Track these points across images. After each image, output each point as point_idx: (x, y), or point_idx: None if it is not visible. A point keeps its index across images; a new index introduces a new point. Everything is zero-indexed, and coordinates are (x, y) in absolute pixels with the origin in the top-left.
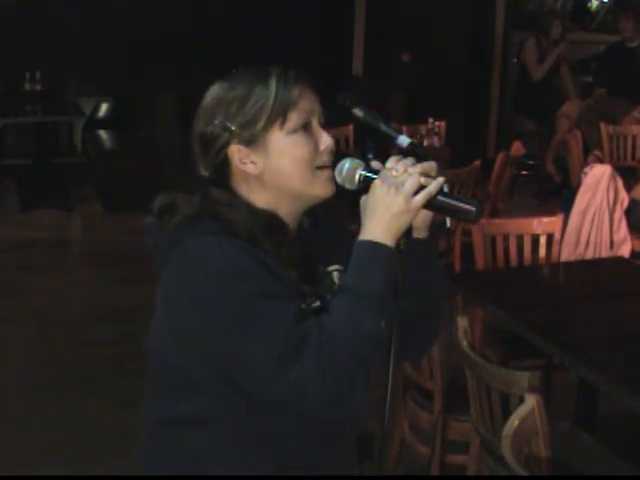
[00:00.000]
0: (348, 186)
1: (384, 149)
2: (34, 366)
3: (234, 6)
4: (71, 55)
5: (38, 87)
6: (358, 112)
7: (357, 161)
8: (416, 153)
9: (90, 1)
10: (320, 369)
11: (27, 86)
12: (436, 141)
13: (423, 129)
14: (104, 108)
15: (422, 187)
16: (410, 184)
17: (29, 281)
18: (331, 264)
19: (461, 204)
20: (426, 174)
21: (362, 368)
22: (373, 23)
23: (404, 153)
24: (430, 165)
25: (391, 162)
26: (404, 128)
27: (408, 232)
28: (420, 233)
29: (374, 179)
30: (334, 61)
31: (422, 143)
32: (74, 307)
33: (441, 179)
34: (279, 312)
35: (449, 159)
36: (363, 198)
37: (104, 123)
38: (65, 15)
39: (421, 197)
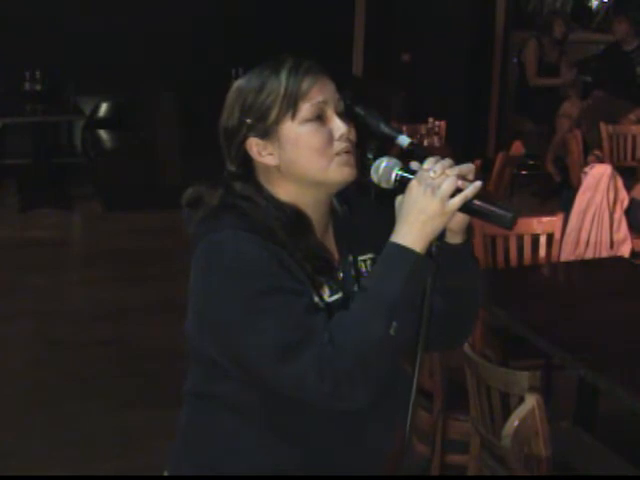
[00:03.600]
0: (384, 185)
1: (384, 149)
2: (34, 366)
3: (234, 6)
4: (71, 55)
5: (38, 87)
6: (358, 112)
7: (395, 160)
8: (416, 153)
9: (90, 1)
10: (319, 366)
11: (27, 86)
12: (436, 141)
13: (423, 129)
14: (104, 108)
15: (459, 190)
16: (447, 186)
17: (29, 281)
18: (366, 252)
19: (498, 209)
20: (463, 177)
21: (363, 369)
22: (373, 23)
23: (405, 153)
24: (468, 168)
25: (429, 163)
26: (404, 128)
27: (441, 235)
28: (455, 237)
29: (410, 179)
30: (334, 61)
31: (422, 143)
32: (74, 307)
33: (478, 183)
34: (283, 309)
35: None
36: (399, 198)
37: (104, 123)
38: (65, 15)
39: (457, 200)
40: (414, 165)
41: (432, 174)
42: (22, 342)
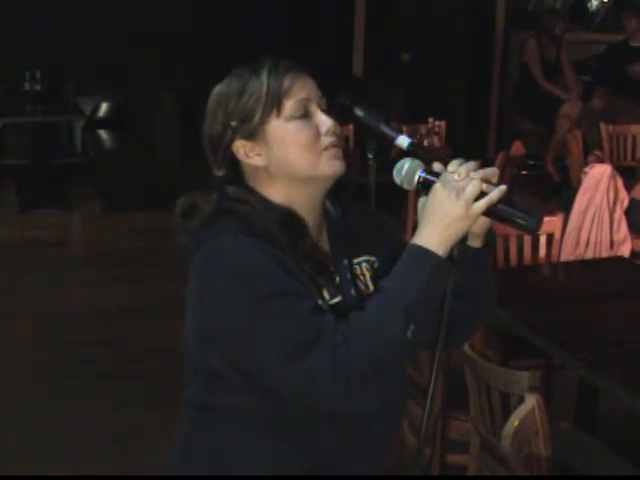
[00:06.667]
0: (406, 187)
1: (384, 149)
2: (34, 366)
3: (234, 6)
4: (71, 55)
5: (38, 87)
6: (358, 112)
7: (417, 162)
8: (416, 153)
9: (90, 1)
10: (332, 367)
11: (27, 86)
12: (436, 141)
13: (423, 129)
14: (104, 108)
15: (483, 193)
16: (471, 190)
17: (29, 281)
18: (361, 254)
19: (522, 214)
20: (487, 180)
21: (376, 371)
22: (373, 23)
23: (404, 153)
24: (492, 172)
25: (453, 165)
26: (404, 128)
27: (463, 239)
28: (475, 241)
29: (434, 182)
30: (334, 61)
31: (422, 143)
32: (74, 307)
33: (503, 187)
34: (289, 312)
35: (449, 159)
36: (421, 200)
37: (104, 123)
38: (65, 15)
39: (482, 204)
40: (437, 167)
41: (456, 177)
42: (22, 342)
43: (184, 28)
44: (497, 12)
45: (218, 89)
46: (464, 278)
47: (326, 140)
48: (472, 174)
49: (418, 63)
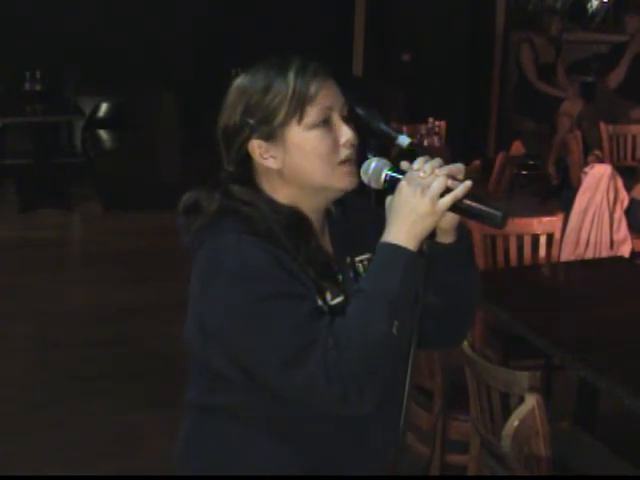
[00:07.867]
0: (374, 185)
1: (384, 149)
2: (34, 366)
3: (234, 6)
4: (71, 55)
5: (38, 87)
6: (358, 111)
7: (384, 161)
8: (416, 153)
9: (90, 1)
10: (326, 370)
11: (27, 86)
12: (436, 141)
13: (423, 129)
14: (104, 108)
15: (449, 190)
16: (436, 186)
17: (29, 281)
18: (362, 253)
19: (488, 208)
20: (453, 177)
21: (368, 370)
22: (373, 23)
23: (405, 153)
24: (457, 168)
25: (418, 163)
26: (404, 128)
27: (432, 235)
28: (446, 236)
29: (400, 180)
30: (334, 61)
31: (422, 143)
32: (74, 307)
33: (468, 182)
34: (290, 314)
35: (449, 159)
36: (388, 199)
37: (104, 123)
38: (65, 15)
39: (447, 200)
40: (404, 165)
41: (422, 174)
42: (22, 342)
43: (184, 28)
44: (497, 12)
45: (241, 81)
46: (441, 274)
47: (343, 153)
48: (437, 171)
49: (418, 63)
